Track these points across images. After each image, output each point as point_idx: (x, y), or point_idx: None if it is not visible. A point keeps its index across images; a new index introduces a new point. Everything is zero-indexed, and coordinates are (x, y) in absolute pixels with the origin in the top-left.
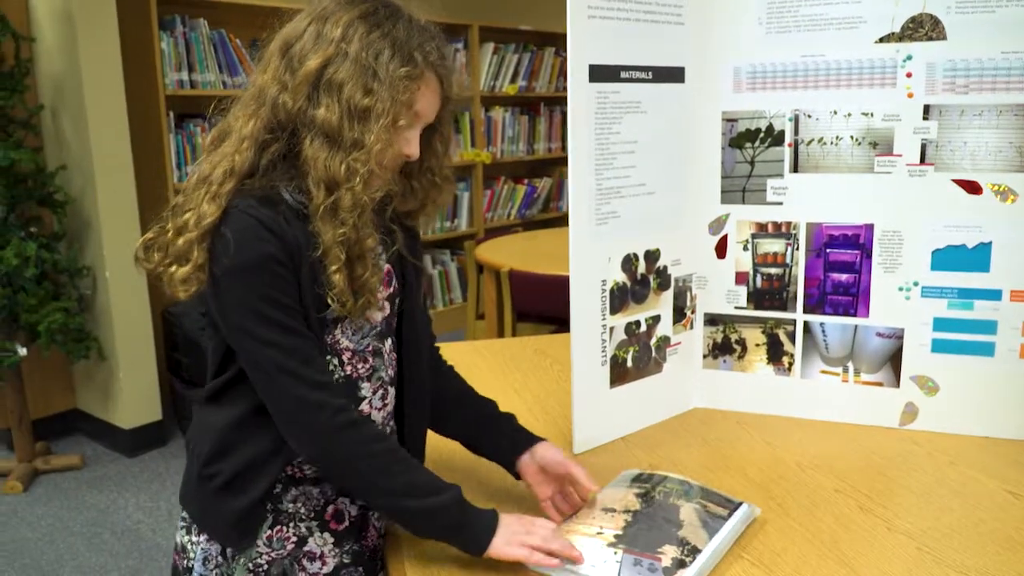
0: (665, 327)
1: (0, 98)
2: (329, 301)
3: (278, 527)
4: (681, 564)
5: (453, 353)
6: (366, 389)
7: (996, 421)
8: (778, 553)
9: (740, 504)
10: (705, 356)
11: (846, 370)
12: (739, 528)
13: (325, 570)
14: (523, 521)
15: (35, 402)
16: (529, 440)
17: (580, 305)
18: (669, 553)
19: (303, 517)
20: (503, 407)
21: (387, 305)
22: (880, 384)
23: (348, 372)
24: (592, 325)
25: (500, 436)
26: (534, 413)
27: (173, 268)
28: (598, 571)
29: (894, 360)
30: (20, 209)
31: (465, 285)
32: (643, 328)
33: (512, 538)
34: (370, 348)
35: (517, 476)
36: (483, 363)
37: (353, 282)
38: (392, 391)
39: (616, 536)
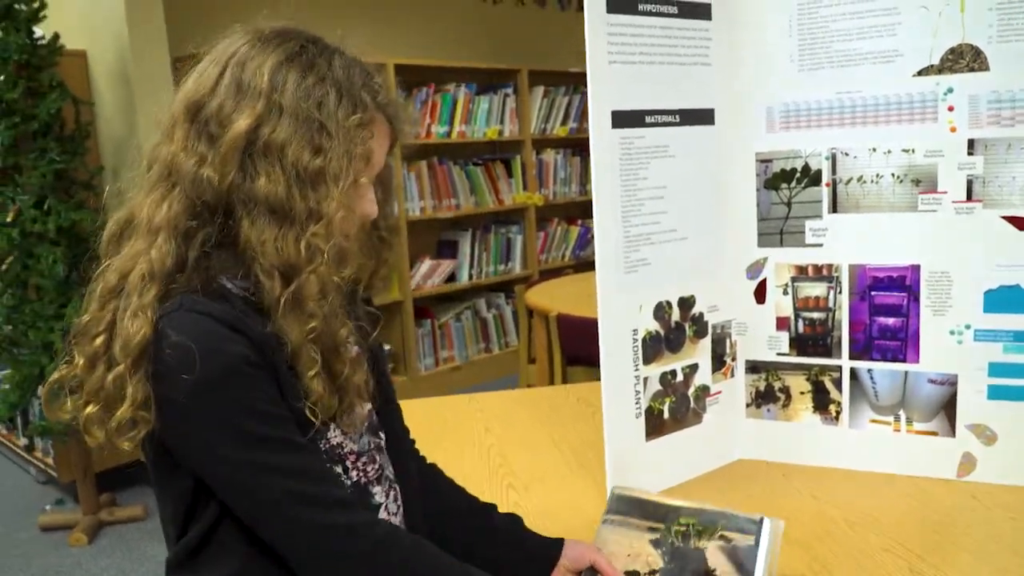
0: (704, 376)
1: (62, 161)
2: (308, 413)
3: None
4: None
5: (494, 403)
6: (379, 494)
7: None
8: None
9: (762, 521)
10: (748, 405)
11: (897, 419)
12: (774, 551)
13: None
14: None
15: (100, 454)
16: (553, 550)
17: (610, 356)
18: None
19: None
20: (542, 460)
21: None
22: (934, 433)
23: (356, 478)
24: (624, 376)
25: (522, 555)
26: (571, 467)
27: (101, 414)
28: None
29: (948, 408)
30: (82, 268)
31: (519, 329)
32: (680, 377)
33: None
34: (372, 445)
35: None
36: (524, 413)
37: (333, 383)
38: (399, 490)
39: None
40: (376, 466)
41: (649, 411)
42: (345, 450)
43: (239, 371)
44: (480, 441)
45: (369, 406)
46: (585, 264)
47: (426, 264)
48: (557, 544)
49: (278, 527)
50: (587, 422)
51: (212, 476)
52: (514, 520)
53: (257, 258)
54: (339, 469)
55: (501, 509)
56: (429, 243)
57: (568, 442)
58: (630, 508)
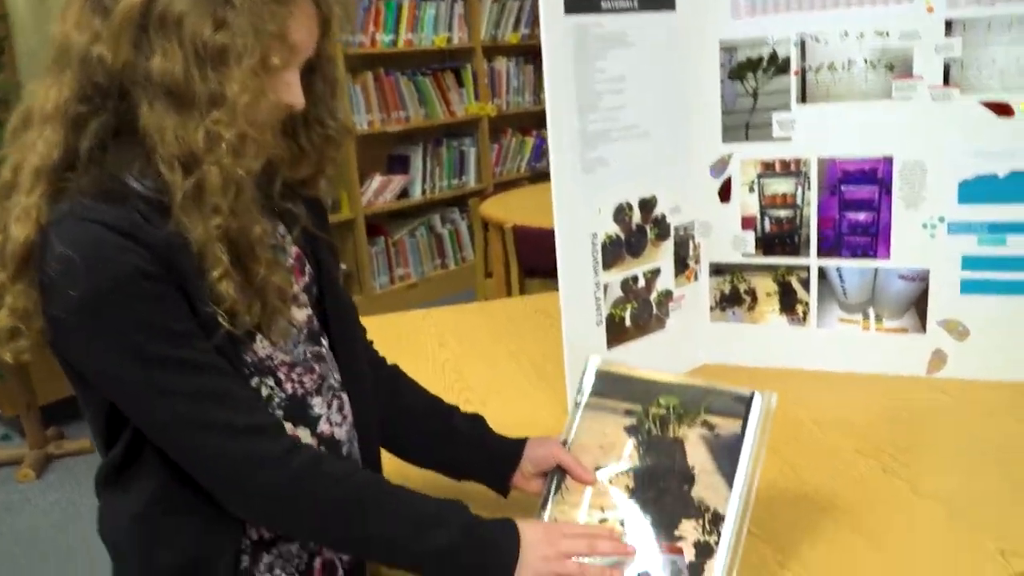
0: (666, 280)
1: None
2: (220, 320)
3: None
4: (707, 550)
5: (449, 317)
6: (319, 405)
7: None
8: (790, 526)
9: (752, 397)
10: (712, 309)
11: (867, 317)
12: (764, 433)
13: None
14: (550, 536)
15: (43, 387)
16: (515, 451)
17: (569, 262)
18: (690, 536)
19: None
20: (499, 374)
21: (305, 298)
22: (904, 330)
23: (292, 391)
24: (583, 283)
25: (482, 456)
26: (530, 380)
27: None
28: None
29: (919, 304)
30: None
31: (475, 243)
32: (641, 283)
33: (541, 567)
34: (310, 354)
35: (505, 492)
36: (480, 326)
37: (250, 286)
38: (346, 398)
39: (623, 521)
40: (315, 376)
41: (610, 319)
42: (276, 361)
43: (132, 284)
44: (434, 357)
45: (308, 312)
46: (541, 175)
47: (377, 180)
48: (519, 444)
49: (185, 455)
50: (546, 333)
51: (111, 395)
52: (475, 421)
53: (156, 148)
54: (271, 382)
55: None
56: (379, 158)
57: (526, 354)
58: (606, 386)
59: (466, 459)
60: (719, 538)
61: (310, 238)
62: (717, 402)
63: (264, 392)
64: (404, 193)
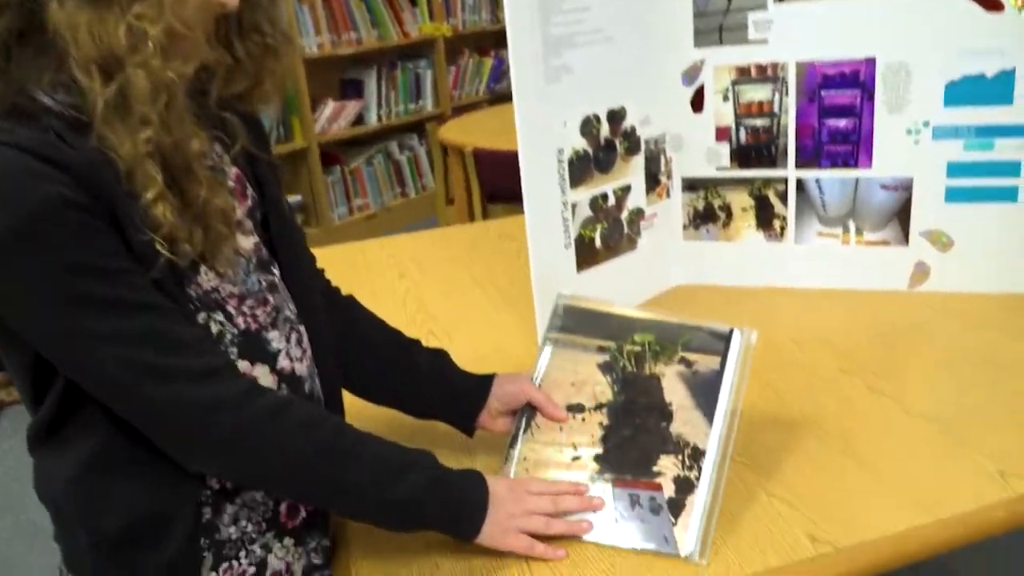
0: (637, 198)
1: None
2: (159, 248)
3: (225, 564)
4: (687, 485)
5: (408, 245)
6: (276, 339)
7: (1021, 275)
8: (776, 451)
9: (731, 334)
10: (685, 227)
11: (846, 230)
12: (743, 371)
13: None
14: (516, 493)
15: None
16: (481, 388)
17: (534, 181)
18: (669, 471)
19: (253, 536)
20: (464, 304)
21: (250, 224)
22: (886, 243)
23: (245, 326)
24: (550, 203)
25: (446, 393)
26: (497, 308)
27: None
28: (592, 529)
29: (902, 215)
30: None
31: (435, 169)
32: (611, 201)
33: (507, 523)
34: (264, 284)
35: (470, 432)
36: (441, 254)
37: (189, 210)
38: (304, 331)
39: (598, 458)
40: (269, 308)
41: (579, 240)
42: (223, 294)
43: (54, 215)
44: (394, 287)
45: (255, 239)
46: (501, 97)
47: (330, 106)
48: (486, 381)
49: (129, 407)
50: (511, 259)
51: (38, 344)
52: (438, 356)
53: (70, 50)
54: (220, 317)
55: None
56: (331, 83)
57: (492, 281)
58: (578, 323)
59: (428, 397)
60: (700, 473)
61: (250, 159)
62: (695, 339)
63: (214, 329)
64: (359, 119)
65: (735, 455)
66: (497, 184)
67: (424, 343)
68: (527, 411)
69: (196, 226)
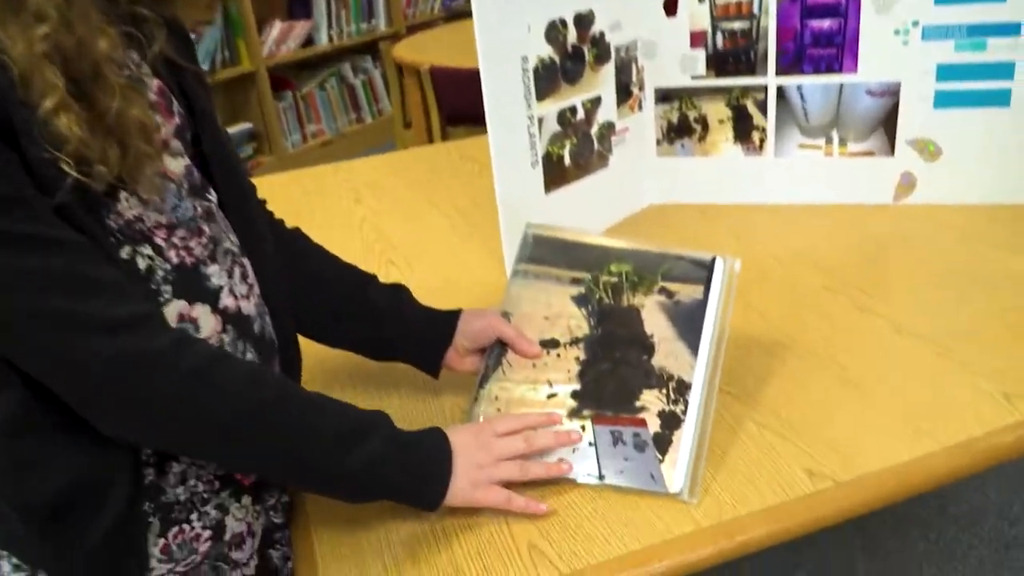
0: (608, 111)
1: None
2: (65, 168)
3: (175, 529)
4: (673, 420)
5: (364, 170)
6: (217, 274)
7: (1011, 184)
8: (764, 379)
9: (713, 262)
10: (659, 142)
11: (829, 141)
12: (727, 300)
13: (255, 546)
14: (481, 439)
15: None
16: (447, 325)
17: (496, 94)
18: (653, 406)
19: (206, 496)
20: (425, 230)
21: (179, 145)
22: (871, 154)
23: (178, 260)
24: (515, 118)
25: (408, 332)
26: (460, 234)
27: None
28: (573, 470)
29: (888, 123)
30: None
31: (391, 91)
32: (580, 115)
33: (477, 475)
34: (199, 211)
35: (436, 373)
36: (399, 178)
37: (101, 123)
38: (248, 264)
39: (575, 394)
40: (205, 239)
41: (547, 158)
42: (149, 224)
43: None
44: (350, 215)
45: (185, 162)
46: (457, 15)
47: (277, 27)
48: (451, 317)
49: (34, 362)
50: (474, 181)
51: None
52: (397, 292)
53: None
54: (147, 251)
55: None
56: (277, 2)
57: (454, 206)
58: (550, 254)
59: (388, 337)
60: (686, 407)
61: (173, 69)
62: (675, 268)
63: (142, 265)
64: (309, 41)
65: (722, 385)
66: (456, 105)
67: (383, 274)
68: (497, 348)
69: (110, 142)
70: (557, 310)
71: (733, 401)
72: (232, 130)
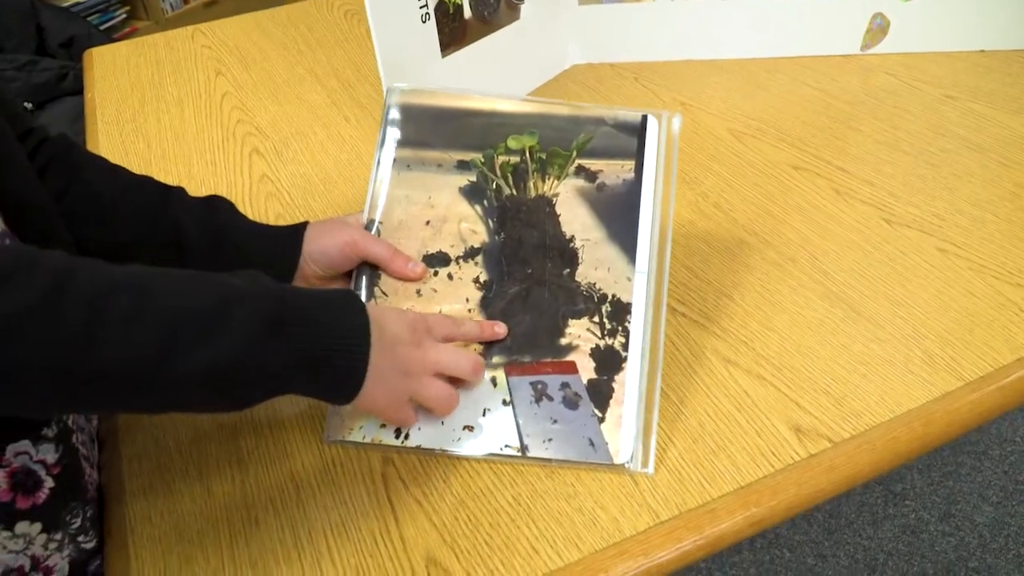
0: None
1: None
2: None
3: None
4: (612, 360)
5: (228, 33)
6: None
7: (1002, 25)
8: (728, 293)
9: (644, 122)
10: None
11: None
12: (667, 176)
13: None
14: (416, 335)
15: None
16: (287, 247)
17: None
18: (584, 342)
19: None
20: (300, 108)
21: None
22: None
23: None
24: None
25: (230, 261)
26: (343, 111)
27: None
28: (479, 432)
29: None
30: None
31: None
32: None
33: (399, 388)
34: None
35: None
36: (271, 43)
37: None
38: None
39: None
40: None
41: (442, 10)
42: None
43: None
44: (209, 90)
45: None
46: None
47: None
48: (292, 237)
49: None
50: (363, 43)
51: None
52: (214, 208)
53: None
54: None
55: (246, 189)
56: None
57: (337, 77)
58: (424, 129)
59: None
60: (628, 338)
61: None
62: (596, 136)
63: None
64: None
65: (673, 304)
66: None
67: (246, 168)
68: (365, 272)
69: None
70: (441, 210)
71: (690, 327)
72: None
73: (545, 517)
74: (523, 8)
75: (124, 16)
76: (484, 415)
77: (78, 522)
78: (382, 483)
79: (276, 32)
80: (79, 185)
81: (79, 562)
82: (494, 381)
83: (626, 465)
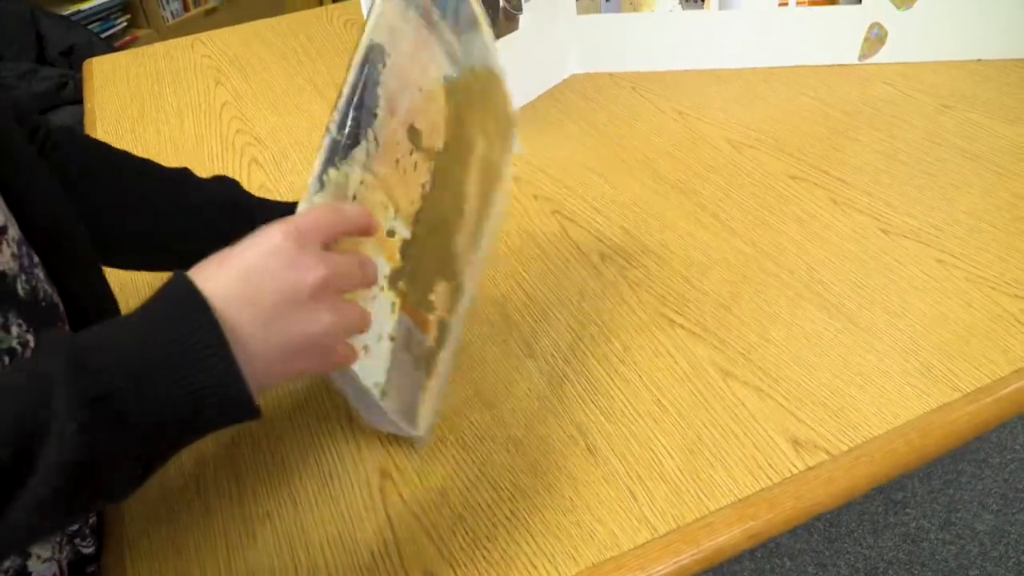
0: None
1: None
2: None
3: None
4: (444, 334)
5: (228, 42)
6: None
7: (998, 35)
8: (725, 304)
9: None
10: None
11: None
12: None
13: None
14: (285, 259)
15: None
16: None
17: None
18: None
19: None
20: (299, 118)
21: None
22: (834, 1)
23: None
24: None
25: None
26: None
27: None
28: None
29: None
30: None
31: None
32: None
33: (286, 335)
34: None
35: None
36: (272, 53)
37: None
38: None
39: (405, 247)
40: None
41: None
42: None
43: None
44: (209, 101)
45: None
46: None
47: None
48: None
49: None
50: None
51: None
52: (221, 187)
53: None
54: None
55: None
56: None
57: (336, 87)
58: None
59: (224, 242)
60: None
61: None
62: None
63: None
64: None
65: (670, 315)
66: None
67: (245, 177)
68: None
69: None
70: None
71: (687, 338)
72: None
73: (543, 531)
74: (522, 18)
75: (125, 24)
76: (379, 341)
77: (77, 526)
78: (380, 497)
79: (276, 42)
80: (101, 180)
81: (76, 564)
82: (394, 307)
83: (419, 438)
